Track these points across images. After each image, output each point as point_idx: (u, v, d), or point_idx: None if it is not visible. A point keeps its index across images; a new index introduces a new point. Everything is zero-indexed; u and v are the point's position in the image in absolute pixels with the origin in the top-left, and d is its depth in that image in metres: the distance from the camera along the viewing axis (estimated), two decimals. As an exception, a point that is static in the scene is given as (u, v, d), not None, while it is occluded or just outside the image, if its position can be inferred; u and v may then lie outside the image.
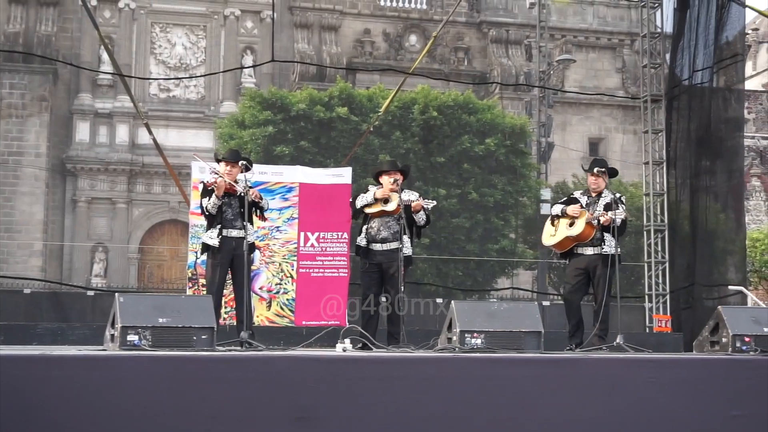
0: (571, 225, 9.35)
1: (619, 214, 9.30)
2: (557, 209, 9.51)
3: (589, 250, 9.39)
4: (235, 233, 8.97)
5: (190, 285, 12.47)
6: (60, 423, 5.65)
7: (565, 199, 9.75)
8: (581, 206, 9.42)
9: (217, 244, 8.95)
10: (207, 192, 9.00)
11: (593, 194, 9.54)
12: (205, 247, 9.12)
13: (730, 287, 14.28)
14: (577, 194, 9.72)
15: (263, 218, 9.69)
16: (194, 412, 5.88)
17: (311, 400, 6.16)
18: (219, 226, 8.97)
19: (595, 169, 9.55)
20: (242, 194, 8.84)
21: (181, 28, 37.11)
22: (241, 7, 37.19)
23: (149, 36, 36.67)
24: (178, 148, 32.13)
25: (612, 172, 9.76)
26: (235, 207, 8.96)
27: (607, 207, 9.38)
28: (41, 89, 34.55)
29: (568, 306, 9.48)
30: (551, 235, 9.55)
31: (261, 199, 9.11)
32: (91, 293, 19.95)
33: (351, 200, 9.66)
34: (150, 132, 16.22)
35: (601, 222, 9.27)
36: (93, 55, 35.64)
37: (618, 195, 9.58)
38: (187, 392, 5.91)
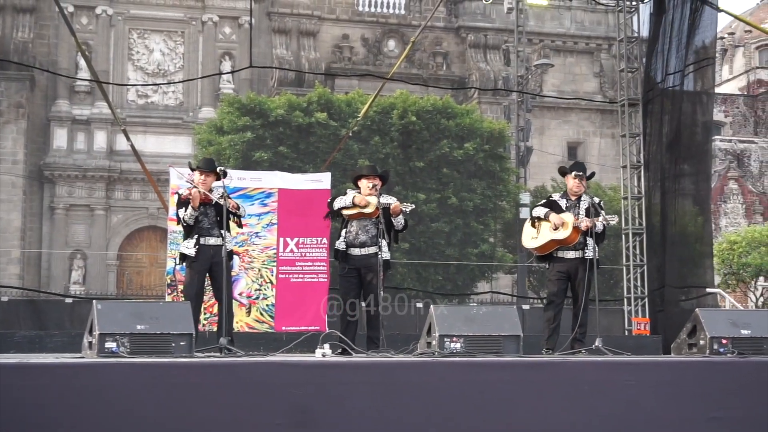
0: (555, 228, 9.36)
1: (612, 219, 9.42)
2: (540, 212, 9.48)
3: (571, 254, 9.41)
4: (212, 241, 8.96)
5: (169, 291, 12.43)
6: (38, 429, 5.62)
7: (544, 201, 9.74)
8: (563, 209, 9.44)
9: (194, 253, 8.95)
10: (183, 203, 8.99)
11: (573, 197, 9.57)
12: (183, 257, 9.12)
13: (707, 290, 14.36)
14: (556, 197, 9.73)
15: (240, 225, 9.66)
16: (173, 418, 5.86)
17: (291, 406, 6.16)
18: (196, 236, 8.96)
19: (574, 173, 9.57)
20: (218, 203, 8.84)
21: (159, 34, 37.02)
22: (219, 12, 37.13)
23: (127, 42, 36.56)
24: (157, 154, 32.05)
25: (590, 176, 9.80)
26: (212, 216, 8.97)
27: (587, 211, 9.43)
28: (18, 96, 34.38)
29: (550, 309, 9.49)
30: (533, 238, 9.55)
31: (238, 208, 9.09)
32: (69, 300, 19.84)
33: (329, 201, 9.65)
34: (128, 138, 16.14)
35: (582, 228, 9.30)
36: (70, 62, 35.48)
37: (597, 200, 9.64)
38: (166, 399, 5.89)
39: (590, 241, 9.40)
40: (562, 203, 9.54)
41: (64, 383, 5.78)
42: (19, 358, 6.71)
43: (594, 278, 9.32)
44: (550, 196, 9.80)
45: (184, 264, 9.21)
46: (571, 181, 9.59)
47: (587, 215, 9.39)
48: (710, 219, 15.09)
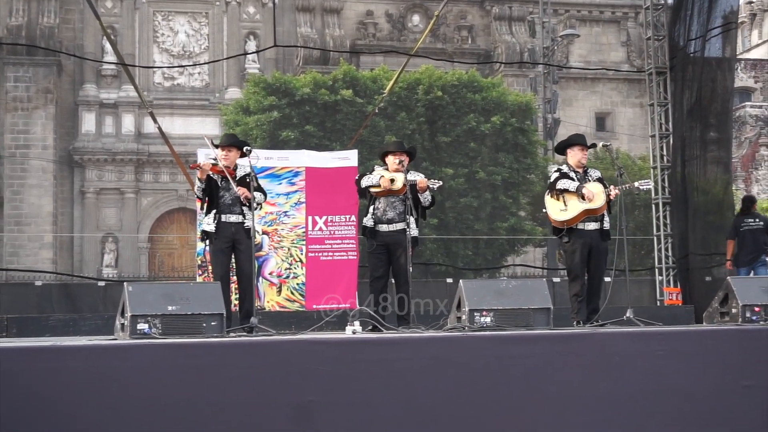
0: (584, 199, 9.30)
1: (647, 184, 9.42)
2: (569, 185, 9.34)
3: (591, 225, 9.36)
4: (233, 218, 8.82)
5: (200, 273, 12.50)
6: (72, 412, 5.69)
7: (558, 173, 9.59)
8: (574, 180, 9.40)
9: (214, 229, 8.84)
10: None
11: (579, 170, 9.51)
12: (204, 234, 9.03)
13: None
14: (564, 169, 9.62)
15: (259, 206, 9.44)
16: (205, 398, 5.91)
17: (322, 384, 6.18)
18: (215, 212, 8.88)
19: (579, 146, 9.54)
20: (241, 179, 8.74)
21: (183, 15, 37.06)
22: (242, -8, 37.15)
23: (152, 25, 36.64)
24: (184, 136, 32.15)
25: (591, 146, 9.81)
26: (234, 192, 8.83)
27: (600, 182, 9.40)
28: (46, 81, 34.60)
29: (576, 282, 9.44)
30: (561, 210, 9.45)
31: (249, 199, 8.73)
32: (101, 284, 20.01)
33: (356, 179, 9.62)
34: (155, 121, 16.19)
35: (612, 196, 9.28)
36: (96, 46, 35.63)
37: (599, 172, 9.64)
38: (197, 379, 5.94)
39: (605, 212, 9.41)
40: (573, 176, 9.47)
41: (97, 365, 5.83)
42: (53, 341, 6.78)
43: (616, 250, 9.30)
44: (560, 169, 9.67)
45: (207, 242, 9.12)
46: (579, 154, 9.50)
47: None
48: (731, 184, 14.98)
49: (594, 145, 9.92)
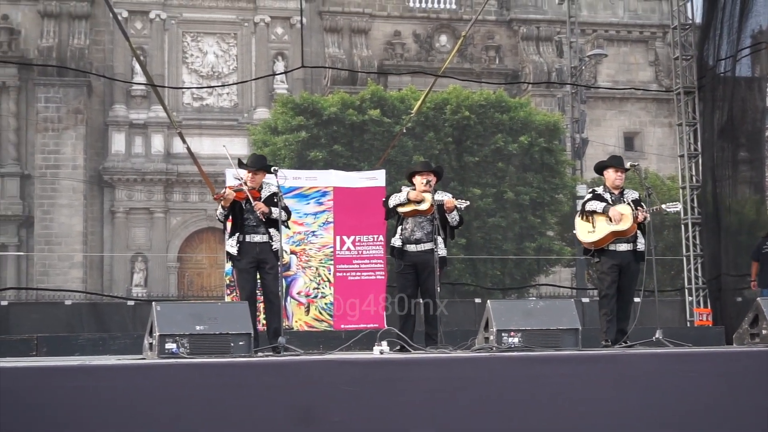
0: (614, 222, 9.29)
1: (675, 207, 9.38)
2: (597, 206, 9.37)
3: (623, 246, 9.34)
4: (258, 239, 8.87)
5: (228, 292, 12.54)
6: (101, 430, 5.71)
7: (591, 195, 9.63)
8: (608, 203, 9.38)
9: (236, 251, 8.90)
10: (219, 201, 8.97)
11: (615, 191, 9.50)
12: (229, 256, 9.09)
13: None
14: (599, 190, 9.64)
15: (287, 226, 9.48)
16: (232, 417, 5.91)
17: (349, 404, 6.18)
18: (237, 234, 8.92)
19: (614, 167, 9.53)
20: (265, 200, 8.80)
21: (212, 36, 37.31)
22: (270, 13, 37.30)
23: (181, 45, 36.91)
24: (213, 156, 32.22)
25: (628, 169, 9.80)
26: (258, 214, 8.86)
27: (636, 203, 9.38)
28: (76, 102, 34.89)
29: (606, 302, 9.40)
30: (589, 232, 9.46)
31: (267, 213, 8.81)
32: (131, 303, 20.08)
33: (384, 199, 9.65)
34: (184, 141, 16.31)
35: (640, 218, 9.26)
36: (126, 67, 35.92)
37: (637, 194, 9.61)
38: (225, 398, 5.95)
39: (639, 234, 9.37)
40: (607, 197, 9.47)
41: (125, 384, 5.86)
42: (82, 360, 6.82)
43: (645, 270, 9.25)
44: (594, 190, 9.70)
45: (232, 264, 9.18)
46: (613, 175, 9.52)
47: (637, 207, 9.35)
48: (764, 204, 14.88)
49: (630, 168, 9.91)
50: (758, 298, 8.58)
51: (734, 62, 13.77)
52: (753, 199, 14.09)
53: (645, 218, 9.29)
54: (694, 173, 15.36)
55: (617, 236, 9.32)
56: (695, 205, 15.22)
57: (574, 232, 9.80)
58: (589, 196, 9.62)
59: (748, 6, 13.53)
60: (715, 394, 6.79)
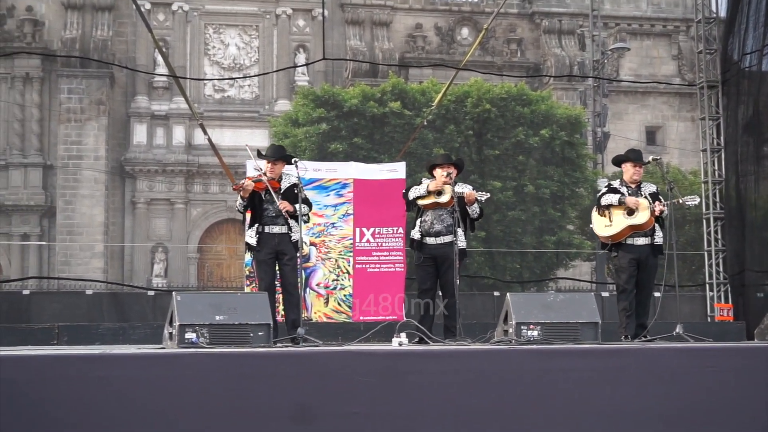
0: (630, 214, 9.26)
1: (693, 200, 9.32)
2: (612, 198, 9.37)
3: (641, 240, 9.30)
4: (277, 230, 8.87)
5: (248, 283, 12.55)
6: (121, 419, 5.74)
7: (607, 188, 9.61)
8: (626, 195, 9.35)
9: (255, 242, 8.90)
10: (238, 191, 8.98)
11: (632, 185, 9.46)
12: (248, 246, 9.10)
13: None
14: (615, 184, 9.61)
15: (305, 222, 9.50)
16: (251, 407, 5.93)
17: (368, 395, 6.18)
18: (257, 225, 8.93)
19: (632, 161, 9.49)
20: (286, 191, 8.80)
21: (234, 28, 37.37)
22: (292, 5, 37.34)
23: (203, 37, 36.99)
24: (234, 147, 32.27)
25: (647, 162, 9.75)
26: (277, 204, 8.84)
27: (654, 197, 9.33)
28: (98, 93, 35.04)
29: (624, 297, 9.36)
30: (606, 226, 9.44)
31: (291, 212, 8.80)
32: (151, 293, 20.17)
33: (404, 191, 9.63)
34: (205, 132, 16.33)
35: (656, 212, 9.22)
36: (148, 58, 36.04)
37: (655, 186, 9.56)
38: (244, 388, 5.97)
39: (657, 227, 9.33)
40: (623, 190, 9.43)
41: (145, 374, 5.89)
42: (103, 349, 6.86)
43: (666, 265, 9.22)
44: (610, 184, 9.66)
45: (251, 255, 9.18)
46: (631, 169, 9.48)
47: (654, 201, 9.31)
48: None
49: (648, 162, 9.88)
50: (780, 294, 8.53)
51: (760, 56, 13.65)
52: (762, 192, 13.98)
53: (662, 211, 9.24)
54: (716, 168, 15.27)
55: (634, 230, 9.29)
56: (717, 199, 15.14)
57: (591, 226, 9.77)
58: (604, 189, 9.58)
59: (775, 0, 13.42)
60: (735, 389, 6.75)
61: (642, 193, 9.41)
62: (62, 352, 6.18)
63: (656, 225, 9.33)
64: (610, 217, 9.35)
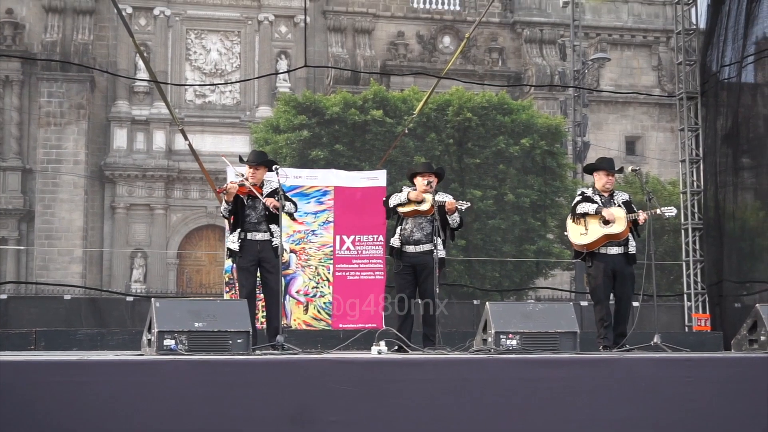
0: (605, 224, 9.28)
1: (670, 211, 9.33)
2: (589, 208, 9.38)
3: (614, 250, 9.33)
4: (259, 236, 8.87)
5: (227, 290, 12.53)
6: (98, 426, 5.71)
7: (581, 197, 9.62)
8: (599, 205, 9.37)
9: (238, 248, 8.89)
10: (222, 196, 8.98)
11: (604, 194, 9.49)
12: (230, 252, 9.09)
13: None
14: (588, 192, 9.62)
15: (294, 220, 9.60)
16: (230, 415, 5.92)
17: (347, 403, 6.18)
18: (239, 231, 8.92)
19: (605, 170, 9.51)
20: (262, 198, 8.79)
21: (216, 34, 37.33)
22: (274, 12, 37.33)
23: (184, 42, 36.93)
24: (214, 153, 32.19)
25: (619, 170, 9.77)
26: (260, 210, 8.87)
27: (627, 205, 9.37)
28: (79, 97, 34.91)
29: (601, 307, 9.38)
30: (581, 234, 9.46)
31: (278, 210, 8.80)
32: (130, 299, 20.11)
33: (384, 199, 9.64)
34: (186, 138, 16.28)
35: (640, 221, 9.25)
36: (129, 63, 35.93)
37: (627, 195, 9.60)
38: (223, 396, 5.95)
39: (631, 237, 9.36)
40: (596, 199, 9.45)
41: (123, 380, 5.86)
42: (80, 355, 6.82)
43: (644, 275, 9.25)
44: (584, 192, 9.68)
45: (232, 261, 9.17)
46: (604, 178, 9.49)
47: (628, 211, 9.34)
48: (765, 211, 14.87)
49: (621, 170, 9.91)
50: (757, 305, 8.58)
51: (740, 68, 13.74)
52: (755, 205, 14.08)
53: (645, 220, 9.29)
54: (695, 178, 15.35)
55: (610, 239, 9.32)
56: (695, 210, 15.22)
57: (566, 233, 9.79)
58: (578, 198, 9.59)
59: (754, 13, 13.50)
60: (712, 399, 6.79)
61: (615, 201, 9.43)
62: (39, 358, 6.14)
63: (630, 234, 9.37)
64: (585, 226, 9.36)
